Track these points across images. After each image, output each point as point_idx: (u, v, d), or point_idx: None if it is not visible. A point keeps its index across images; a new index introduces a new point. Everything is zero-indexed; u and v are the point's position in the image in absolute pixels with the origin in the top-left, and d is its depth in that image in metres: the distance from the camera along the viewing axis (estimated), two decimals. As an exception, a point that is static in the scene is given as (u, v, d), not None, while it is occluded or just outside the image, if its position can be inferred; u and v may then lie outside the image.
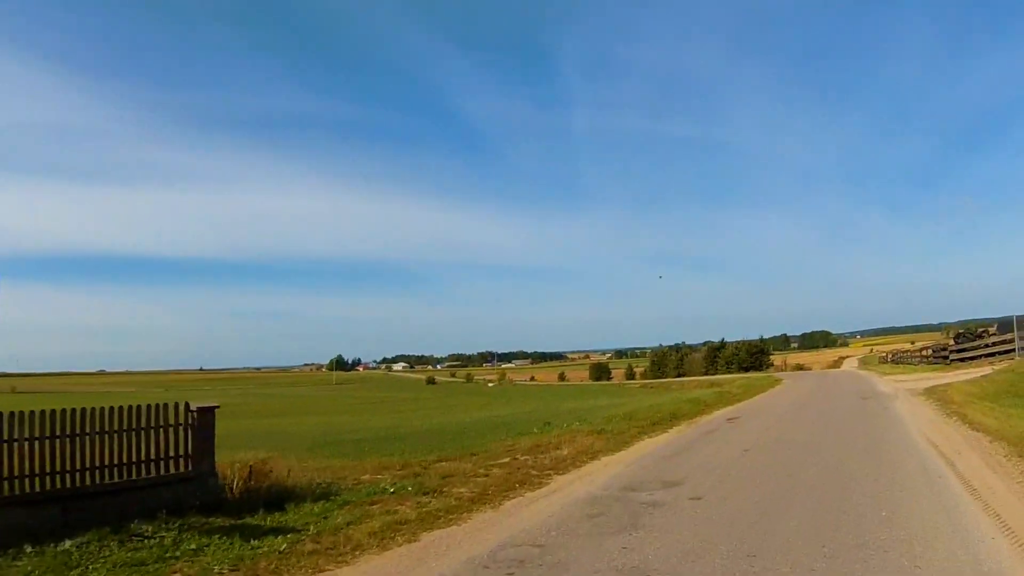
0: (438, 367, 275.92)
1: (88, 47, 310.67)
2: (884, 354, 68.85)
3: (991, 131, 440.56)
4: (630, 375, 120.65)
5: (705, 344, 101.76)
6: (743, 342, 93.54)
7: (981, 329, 35.30)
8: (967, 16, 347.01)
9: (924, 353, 42.89)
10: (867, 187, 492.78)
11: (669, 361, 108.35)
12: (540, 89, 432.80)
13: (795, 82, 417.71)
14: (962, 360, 33.86)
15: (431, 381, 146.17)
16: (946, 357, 34.73)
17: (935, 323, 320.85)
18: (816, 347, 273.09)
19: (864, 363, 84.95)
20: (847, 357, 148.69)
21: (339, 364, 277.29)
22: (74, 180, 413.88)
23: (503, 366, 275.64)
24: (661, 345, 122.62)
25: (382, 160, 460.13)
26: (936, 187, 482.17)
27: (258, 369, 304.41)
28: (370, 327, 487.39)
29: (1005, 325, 37.23)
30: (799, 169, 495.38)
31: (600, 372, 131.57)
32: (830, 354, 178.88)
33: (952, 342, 35.15)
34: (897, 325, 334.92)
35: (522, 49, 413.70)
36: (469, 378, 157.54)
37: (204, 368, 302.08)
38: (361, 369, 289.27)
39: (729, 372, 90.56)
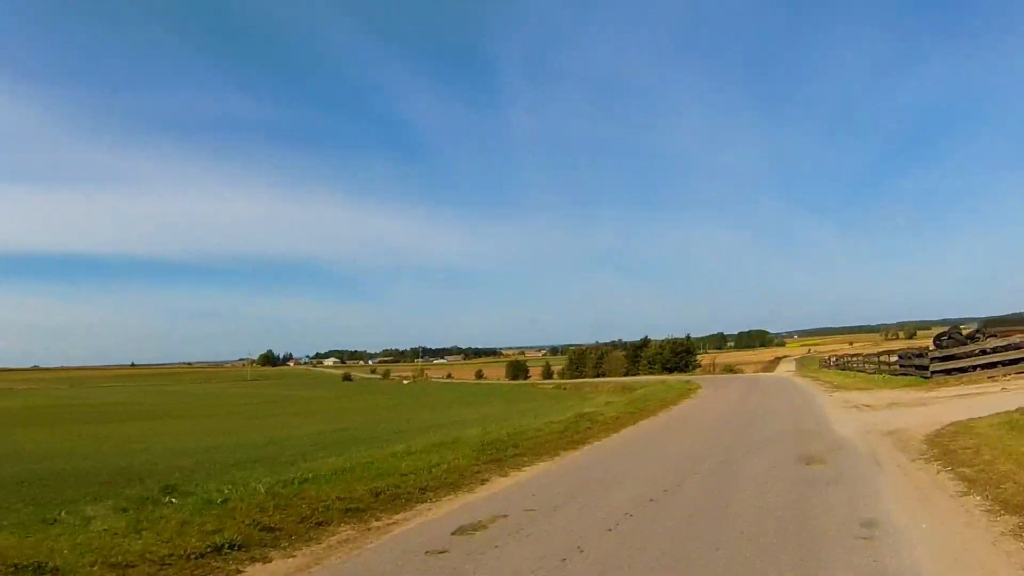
0: (370, 363, 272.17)
1: (11, 46, 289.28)
2: (826, 357, 58.21)
3: (925, 143, 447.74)
4: (547, 374, 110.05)
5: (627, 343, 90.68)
6: (667, 340, 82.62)
7: (972, 329, 23.60)
8: (906, 29, 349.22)
9: (884, 360, 31.49)
10: (803, 193, 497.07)
11: (588, 360, 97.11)
12: (477, 91, 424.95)
13: (733, 88, 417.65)
14: (947, 372, 22.36)
15: (347, 378, 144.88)
16: (924, 368, 23.17)
17: (873, 324, 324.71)
18: (752, 346, 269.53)
19: (802, 366, 74.64)
20: (784, 357, 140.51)
21: (268, 359, 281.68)
22: (10, 183, 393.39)
23: (435, 362, 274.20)
24: (597, 342, 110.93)
25: (316, 161, 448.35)
26: (870, 195, 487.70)
27: (190, 364, 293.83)
28: (306, 324, 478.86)
29: (993, 325, 26.31)
30: (736, 174, 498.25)
31: (517, 370, 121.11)
32: (766, 353, 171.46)
33: (932, 345, 23.29)
34: (833, 326, 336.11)
35: (459, 50, 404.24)
36: (386, 375, 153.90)
37: (136, 363, 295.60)
38: (291, 364, 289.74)
39: (651, 372, 79.95)
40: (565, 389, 72.39)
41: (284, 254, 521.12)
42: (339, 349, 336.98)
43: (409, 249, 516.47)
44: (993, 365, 21.96)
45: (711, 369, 74.48)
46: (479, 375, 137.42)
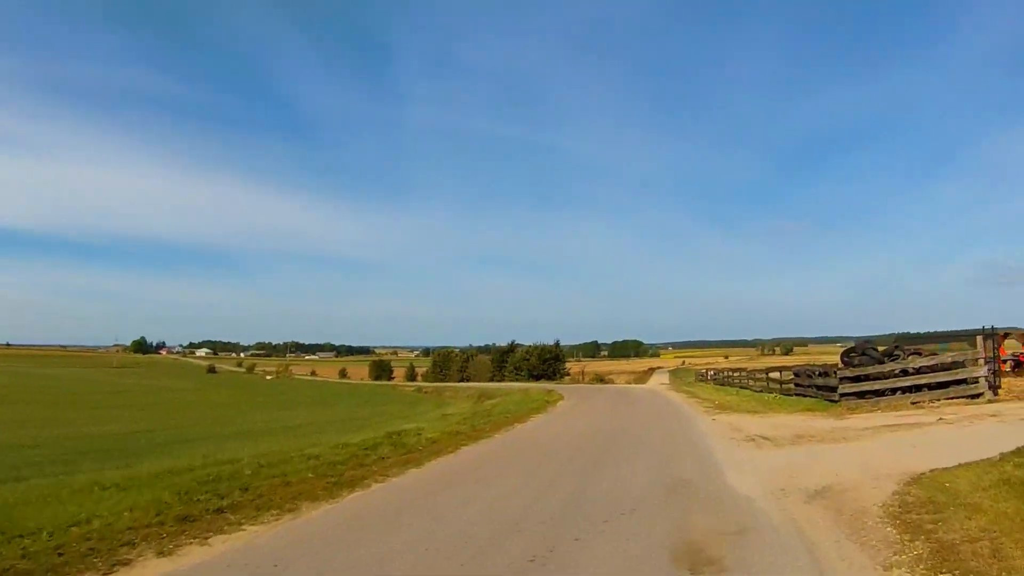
0: (242, 355, 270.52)
1: None
2: (704, 370, 54.15)
3: (820, 160, 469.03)
4: (411, 376, 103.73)
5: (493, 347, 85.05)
6: (535, 346, 77.53)
7: (890, 346, 18.47)
8: (804, 55, 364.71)
9: (774, 377, 26.69)
10: (698, 202, 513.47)
11: (453, 363, 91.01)
12: (377, 81, 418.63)
13: (635, 94, 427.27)
14: (859, 395, 17.28)
15: (212, 370, 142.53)
16: (830, 389, 18.02)
17: (748, 339, 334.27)
18: (627, 356, 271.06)
19: (677, 379, 70.92)
20: (657, 368, 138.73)
21: (141, 347, 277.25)
22: None
23: (306, 357, 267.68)
24: (471, 345, 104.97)
25: (213, 142, 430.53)
26: (760, 207, 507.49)
27: (65, 347, 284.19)
28: (186, 310, 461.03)
29: (906, 342, 22.07)
30: (632, 179, 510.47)
31: (380, 371, 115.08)
32: (640, 364, 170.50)
33: (840, 363, 17.98)
34: (709, 339, 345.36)
35: (363, 39, 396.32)
36: (251, 369, 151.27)
37: (11, 343, 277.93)
38: (164, 352, 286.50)
39: (518, 379, 74.65)
40: (425, 393, 68.55)
41: (167, 235, 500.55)
42: (213, 340, 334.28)
43: (297, 237, 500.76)
44: (918, 388, 17.05)
45: (580, 378, 69.73)
46: (343, 374, 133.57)
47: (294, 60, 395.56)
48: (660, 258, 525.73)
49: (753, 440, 12.87)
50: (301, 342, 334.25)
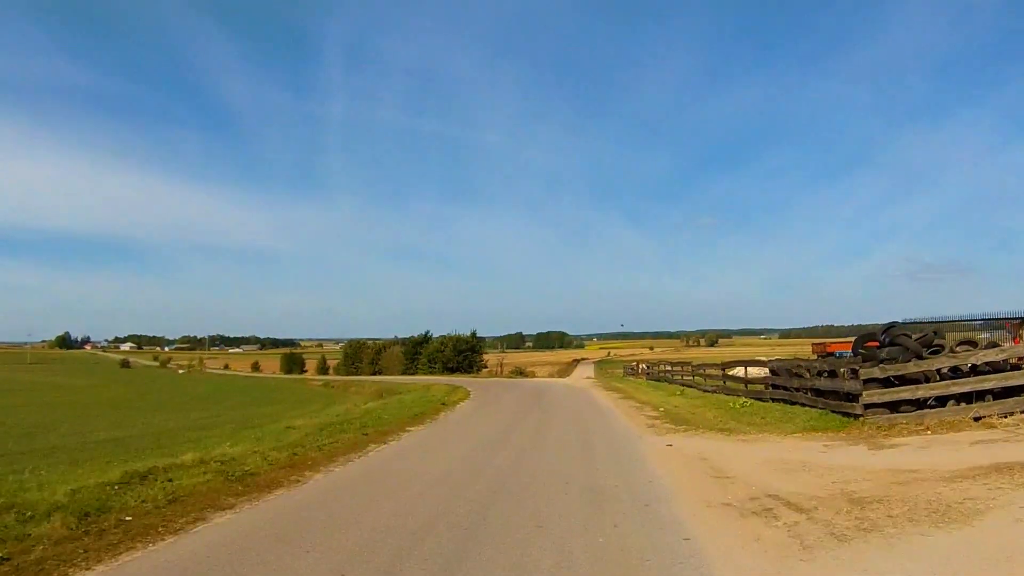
0: (166, 349, 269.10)
1: None
2: (635, 364, 48.13)
3: (732, 157, 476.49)
4: (323, 369, 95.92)
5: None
6: (450, 336, 70.54)
7: (926, 333, 11.81)
8: (721, 51, 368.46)
9: (738, 375, 20.60)
10: (611, 197, 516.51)
11: (365, 355, 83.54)
12: (294, 74, 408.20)
13: (547, 90, 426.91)
14: (893, 406, 10.98)
15: (125, 364, 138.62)
16: (847, 397, 11.60)
17: (672, 331, 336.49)
18: (552, 347, 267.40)
19: (603, 372, 65.21)
20: (582, 360, 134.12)
21: (65, 342, 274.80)
22: None
23: (231, 351, 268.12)
24: (396, 338, 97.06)
25: (130, 134, 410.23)
26: (676, 203, 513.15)
27: None
28: (111, 305, 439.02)
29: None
30: (544, 174, 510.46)
31: (292, 363, 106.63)
32: (564, 355, 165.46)
33: (853, 354, 11.27)
34: (634, 331, 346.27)
35: (281, 31, 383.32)
36: (164, 363, 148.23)
37: None
38: (88, 348, 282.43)
39: (432, 372, 67.76)
40: (333, 388, 62.10)
41: (89, 228, 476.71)
42: (138, 334, 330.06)
43: (216, 230, 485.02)
44: (980, 395, 11.00)
45: (498, 371, 63.27)
46: (255, 367, 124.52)
47: (210, 51, 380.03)
48: (576, 252, 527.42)
49: (771, 515, 6.42)
50: (226, 335, 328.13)
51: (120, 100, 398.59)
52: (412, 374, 70.08)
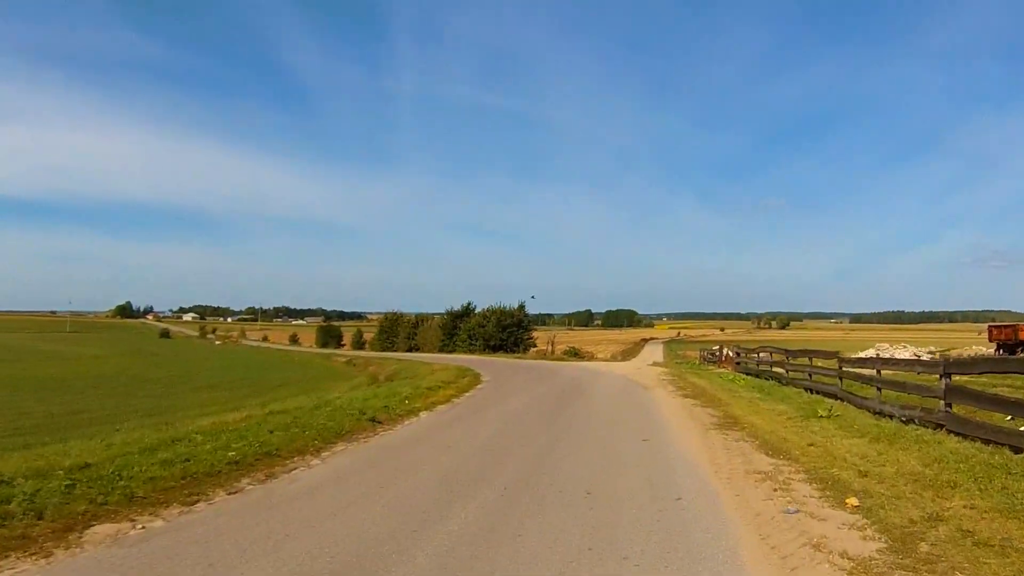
0: (229, 320, 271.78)
1: None
2: (716, 349, 37.06)
3: (800, 138, 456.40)
4: (358, 343, 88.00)
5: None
6: (493, 310, 60.26)
7: None
8: (789, 31, 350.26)
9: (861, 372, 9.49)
10: (681, 176, 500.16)
11: (401, 329, 74.11)
12: (366, 48, 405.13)
13: (619, 67, 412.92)
14: None
15: (165, 334, 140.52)
16: None
17: (742, 312, 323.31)
18: (620, 326, 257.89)
19: (672, 355, 54.28)
20: (650, 340, 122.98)
21: (125, 311, 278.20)
22: None
23: (294, 322, 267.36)
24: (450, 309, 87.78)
25: (200, 107, 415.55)
26: (747, 183, 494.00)
27: (54, 313, 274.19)
28: (180, 276, 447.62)
29: None
30: (615, 151, 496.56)
31: (328, 337, 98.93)
32: (632, 334, 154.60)
33: None
34: (703, 311, 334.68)
35: (355, 9, 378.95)
36: (203, 334, 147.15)
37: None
38: (151, 317, 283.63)
39: (471, 349, 57.85)
40: (354, 365, 53.62)
41: (159, 200, 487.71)
42: (203, 304, 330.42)
43: (287, 203, 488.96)
44: None
45: (547, 352, 52.86)
46: (293, 339, 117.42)
47: (284, 27, 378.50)
48: (646, 230, 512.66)
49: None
50: (291, 307, 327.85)
51: (197, 76, 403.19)
52: (450, 351, 60.46)
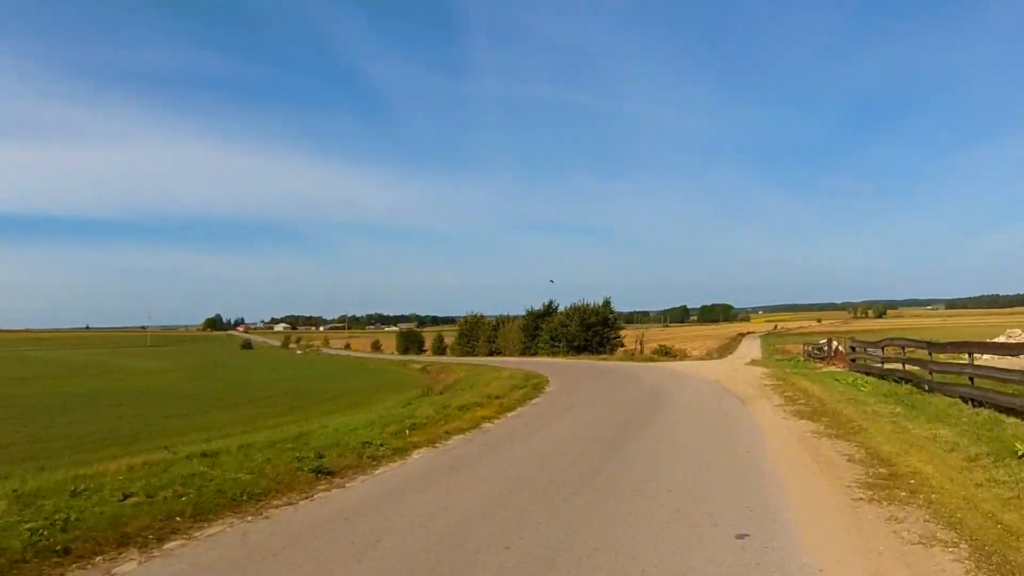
0: (321, 328, 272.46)
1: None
2: (824, 343, 32.36)
3: (889, 118, 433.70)
4: (439, 347, 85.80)
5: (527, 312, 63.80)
6: (576, 307, 56.40)
7: None
8: (871, 8, 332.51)
9: None
10: (766, 165, 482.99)
11: (482, 332, 71.12)
12: (442, 54, 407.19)
13: (697, 58, 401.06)
14: None
15: (247, 345, 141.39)
16: None
17: (837, 302, 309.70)
18: (716, 320, 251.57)
19: (772, 350, 49.44)
20: (747, 334, 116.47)
21: (214, 324, 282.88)
22: None
23: (386, 329, 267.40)
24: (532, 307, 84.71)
25: (279, 120, 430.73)
26: (835, 169, 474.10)
27: (143, 328, 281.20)
28: (271, 287, 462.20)
29: None
30: (697, 144, 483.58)
31: (409, 342, 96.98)
32: (728, 329, 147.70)
33: None
34: (799, 302, 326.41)
35: (426, 11, 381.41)
36: (286, 343, 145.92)
37: (91, 327, 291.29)
38: (241, 329, 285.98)
39: (554, 351, 54.31)
40: (428, 372, 50.17)
41: (246, 215, 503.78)
42: (295, 314, 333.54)
43: (372, 209, 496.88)
44: None
45: (635, 352, 48.91)
46: (375, 346, 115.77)
47: (357, 36, 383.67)
48: (731, 220, 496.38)
49: None
50: (383, 314, 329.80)
51: (274, 90, 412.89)
52: (531, 354, 57.17)
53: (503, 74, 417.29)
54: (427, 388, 29.19)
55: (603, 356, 48.90)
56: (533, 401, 16.51)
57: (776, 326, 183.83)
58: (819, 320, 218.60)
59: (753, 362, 35.84)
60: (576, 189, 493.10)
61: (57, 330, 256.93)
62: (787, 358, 36.17)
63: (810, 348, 33.63)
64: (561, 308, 59.68)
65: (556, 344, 55.77)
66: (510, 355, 59.75)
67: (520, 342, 61.94)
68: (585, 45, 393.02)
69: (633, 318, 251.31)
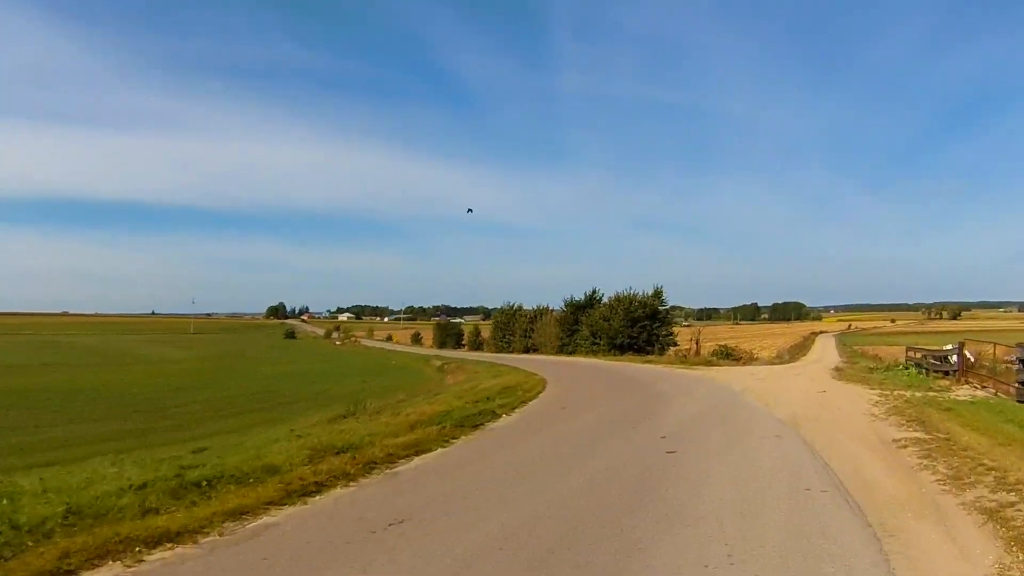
0: (386, 319, 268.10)
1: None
2: (947, 351, 23.45)
3: (977, 114, 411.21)
4: (475, 342, 79.67)
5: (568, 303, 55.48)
6: (621, 298, 47.84)
7: None
8: (959, 1, 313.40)
9: None
10: (849, 162, 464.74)
11: (518, 325, 63.20)
12: (529, 49, 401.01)
13: (783, 53, 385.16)
14: None
15: (290, 335, 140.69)
16: None
17: (910, 302, 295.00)
18: (788, 319, 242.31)
19: (851, 352, 40.64)
20: (820, 333, 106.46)
21: (277, 312, 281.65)
22: (57, 124, 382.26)
23: (453, 320, 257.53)
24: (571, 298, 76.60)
25: (369, 114, 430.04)
26: (919, 167, 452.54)
27: (209, 315, 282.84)
28: (349, 276, 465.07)
29: None
30: (782, 141, 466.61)
31: (446, 335, 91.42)
32: (800, 328, 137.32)
33: None
34: (871, 302, 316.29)
35: (513, 8, 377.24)
36: (328, 334, 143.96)
37: (156, 312, 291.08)
38: (305, 318, 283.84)
39: (594, 350, 46.30)
40: (444, 370, 43.59)
41: (324, 205, 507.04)
42: (361, 304, 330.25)
43: (451, 203, 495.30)
44: None
45: (689, 353, 40.53)
46: (415, 338, 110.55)
47: (444, 31, 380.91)
48: (809, 218, 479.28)
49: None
50: (451, 305, 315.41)
51: (361, 84, 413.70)
52: (569, 352, 49.33)
53: (589, 69, 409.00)
54: (429, 395, 21.65)
55: (651, 358, 40.56)
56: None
57: (850, 326, 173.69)
58: (893, 320, 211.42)
59: (837, 370, 27.52)
60: (662, 185, 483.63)
61: (124, 315, 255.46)
62: (881, 366, 27.54)
63: (921, 355, 24.77)
64: (605, 299, 51.50)
65: (597, 341, 47.70)
66: (546, 352, 52.02)
67: (557, 338, 53.98)
68: (670, 39, 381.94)
69: (704, 315, 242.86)
